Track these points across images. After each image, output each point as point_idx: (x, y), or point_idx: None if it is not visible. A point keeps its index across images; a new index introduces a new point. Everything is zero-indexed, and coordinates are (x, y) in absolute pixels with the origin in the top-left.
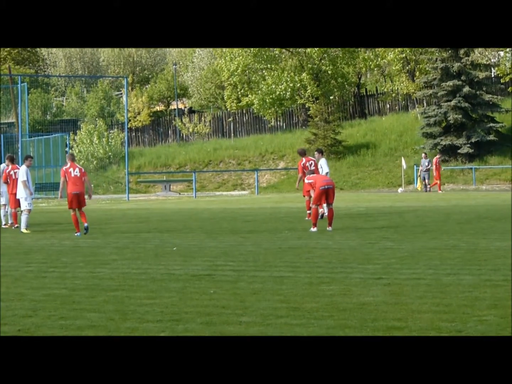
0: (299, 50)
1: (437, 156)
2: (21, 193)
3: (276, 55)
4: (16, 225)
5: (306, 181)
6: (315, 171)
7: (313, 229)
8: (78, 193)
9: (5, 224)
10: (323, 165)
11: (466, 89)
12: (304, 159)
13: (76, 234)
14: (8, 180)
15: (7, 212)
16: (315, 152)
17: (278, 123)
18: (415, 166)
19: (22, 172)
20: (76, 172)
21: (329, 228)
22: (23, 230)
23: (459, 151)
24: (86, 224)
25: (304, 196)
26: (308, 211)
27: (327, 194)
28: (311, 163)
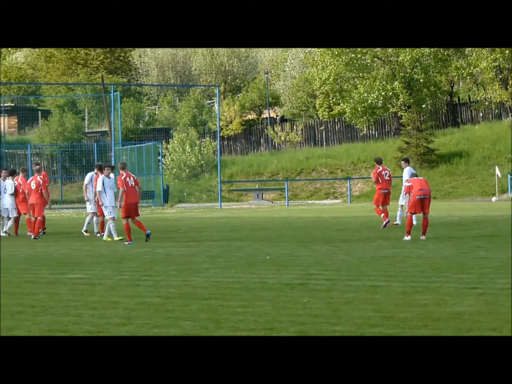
0: (391, 58)
1: None
2: (101, 202)
3: (368, 64)
4: (102, 233)
5: (381, 191)
6: (389, 181)
7: (407, 238)
8: (135, 203)
9: (85, 231)
10: (404, 175)
11: None
12: (380, 168)
13: (128, 243)
14: (126, 187)
15: (92, 220)
16: (402, 161)
17: (370, 131)
18: (509, 174)
19: (98, 182)
20: (132, 181)
21: (423, 237)
22: (105, 238)
23: None
24: (148, 232)
25: (374, 204)
26: (382, 215)
27: (423, 204)
28: (386, 172)
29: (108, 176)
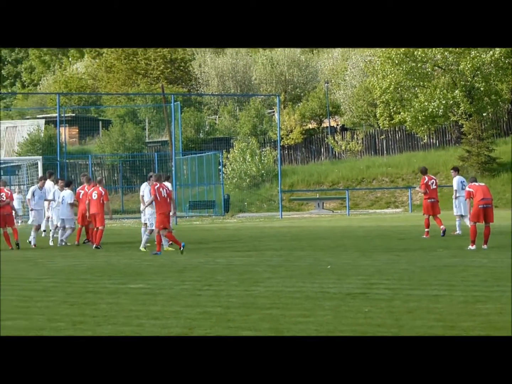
0: (452, 67)
1: None
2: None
3: (429, 73)
4: (170, 243)
5: (428, 200)
6: (435, 190)
7: (472, 247)
8: (167, 213)
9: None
10: (453, 184)
11: None
12: (426, 178)
13: (157, 253)
14: (158, 197)
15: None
16: (451, 170)
17: (431, 140)
18: None
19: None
20: (164, 193)
21: (485, 246)
22: (141, 248)
23: None
24: (183, 243)
25: (423, 214)
26: (426, 229)
27: (486, 213)
28: (433, 181)
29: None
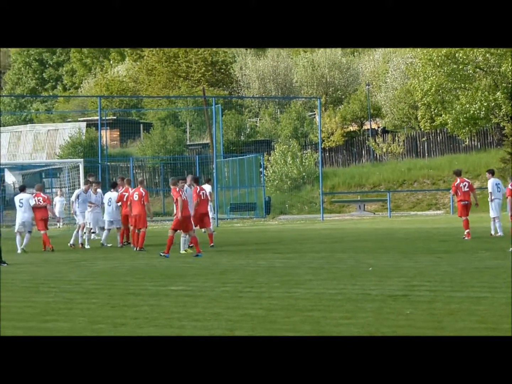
0: (493, 69)
1: None
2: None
3: (470, 75)
4: (211, 245)
5: (461, 202)
6: (468, 192)
7: None
8: (189, 216)
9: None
10: (488, 186)
11: None
12: (458, 180)
13: (165, 255)
14: (198, 199)
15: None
16: (486, 173)
17: (473, 142)
18: None
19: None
20: (184, 196)
21: None
22: (182, 251)
23: None
24: (212, 244)
25: (459, 216)
26: (466, 230)
27: None
28: (465, 184)
29: (190, 188)
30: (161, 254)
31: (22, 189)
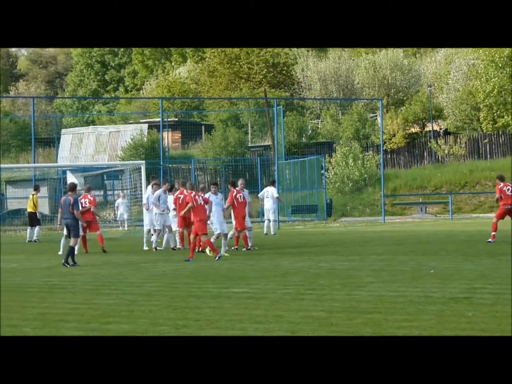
0: None
1: None
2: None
3: None
4: (249, 247)
5: (505, 206)
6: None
7: None
8: (205, 220)
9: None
10: None
11: None
12: (502, 184)
13: (217, 257)
14: (235, 203)
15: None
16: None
17: None
18: None
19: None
20: (201, 200)
21: None
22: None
23: None
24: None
25: (495, 217)
26: (493, 233)
27: None
28: (508, 188)
29: (215, 193)
30: (216, 259)
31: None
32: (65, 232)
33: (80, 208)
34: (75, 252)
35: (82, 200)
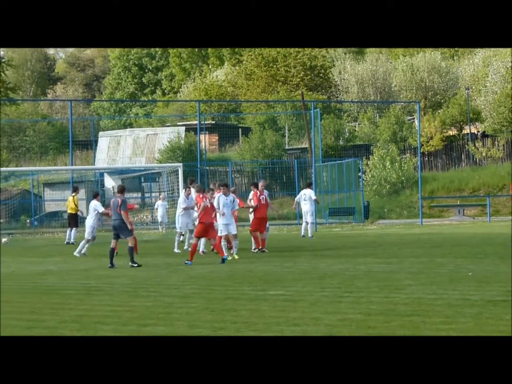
0: None
1: None
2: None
3: None
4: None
5: None
6: None
7: None
8: (209, 223)
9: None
10: None
11: None
12: None
13: (187, 263)
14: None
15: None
16: None
17: None
18: None
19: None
20: (207, 202)
21: None
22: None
23: None
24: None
25: None
26: None
27: None
28: None
29: (225, 194)
30: (186, 262)
31: (95, 195)
32: (86, 235)
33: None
34: (114, 253)
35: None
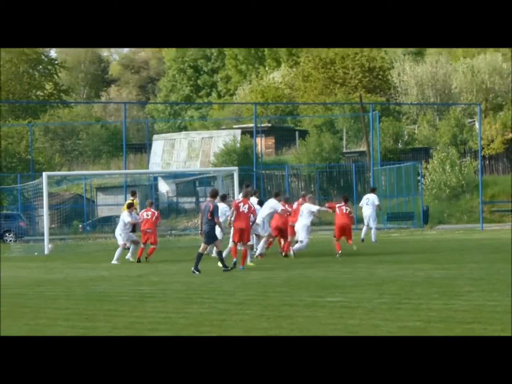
0: None
1: None
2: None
3: None
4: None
5: None
6: None
7: None
8: (242, 229)
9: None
10: None
11: None
12: None
13: (240, 268)
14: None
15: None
16: None
17: None
18: None
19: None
20: (245, 208)
21: None
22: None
23: None
24: (241, 267)
25: None
26: None
27: None
28: None
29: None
30: (241, 268)
31: (130, 206)
32: (119, 241)
33: (139, 219)
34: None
35: (144, 213)
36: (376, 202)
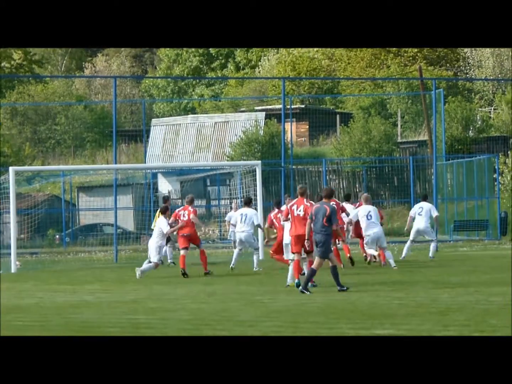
0: None
1: None
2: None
3: None
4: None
5: None
6: None
7: None
8: (300, 235)
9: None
10: None
11: None
12: None
13: (296, 281)
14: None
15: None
16: None
17: None
18: None
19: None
20: (300, 210)
21: None
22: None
23: None
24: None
25: None
26: None
27: None
28: None
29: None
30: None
31: (164, 211)
32: (153, 258)
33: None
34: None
35: (181, 212)
36: (435, 213)
